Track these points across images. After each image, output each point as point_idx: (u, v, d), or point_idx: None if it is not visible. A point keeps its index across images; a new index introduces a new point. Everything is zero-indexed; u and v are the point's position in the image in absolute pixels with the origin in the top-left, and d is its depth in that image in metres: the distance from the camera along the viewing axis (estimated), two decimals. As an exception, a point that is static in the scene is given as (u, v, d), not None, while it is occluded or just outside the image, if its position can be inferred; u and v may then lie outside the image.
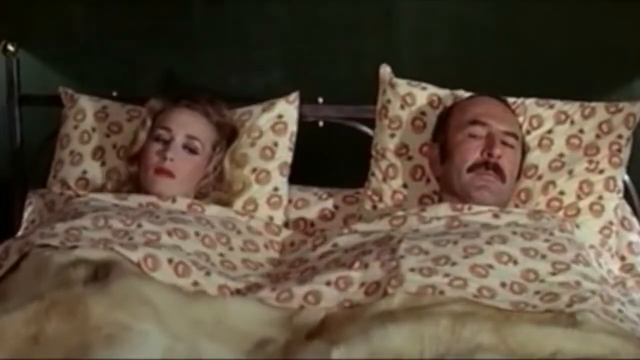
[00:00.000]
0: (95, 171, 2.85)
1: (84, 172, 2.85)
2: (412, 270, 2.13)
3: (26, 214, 2.84)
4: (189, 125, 2.69)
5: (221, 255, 2.40)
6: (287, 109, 2.89)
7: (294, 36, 3.33)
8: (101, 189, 2.76)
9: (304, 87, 3.06)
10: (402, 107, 2.85)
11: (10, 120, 3.18)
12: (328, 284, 2.18)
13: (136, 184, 2.70)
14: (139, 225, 2.35)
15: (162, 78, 3.34)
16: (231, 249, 2.46)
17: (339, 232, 2.49)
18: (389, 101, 2.87)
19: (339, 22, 3.31)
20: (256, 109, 2.89)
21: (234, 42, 3.33)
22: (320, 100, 3.05)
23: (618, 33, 3.19)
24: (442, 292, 2.07)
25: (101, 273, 2.05)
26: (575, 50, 3.21)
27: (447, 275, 2.12)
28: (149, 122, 2.73)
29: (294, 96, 2.92)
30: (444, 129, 2.71)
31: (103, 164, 2.86)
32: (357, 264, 2.22)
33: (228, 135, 2.78)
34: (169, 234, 2.35)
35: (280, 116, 2.88)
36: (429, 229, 2.41)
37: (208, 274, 2.24)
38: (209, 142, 2.72)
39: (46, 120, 3.11)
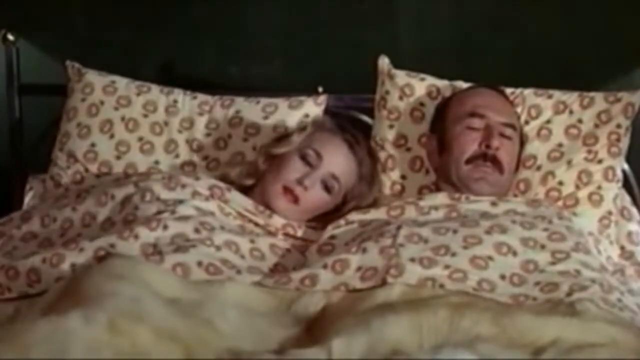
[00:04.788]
0: (104, 144, 2.85)
1: (93, 144, 2.85)
2: (412, 260, 2.13)
3: (27, 199, 2.83)
4: (340, 164, 2.57)
5: (251, 242, 2.35)
6: (314, 110, 2.89)
7: (293, 26, 3.33)
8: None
9: (303, 77, 3.06)
10: (400, 98, 2.85)
11: (10, 110, 3.17)
12: (325, 266, 2.17)
13: (259, 182, 2.60)
14: (165, 228, 2.28)
15: (162, 68, 3.34)
16: (257, 234, 2.42)
17: (335, 224, 2.46)
18: (387, 92, 2.87)
19: (339, 12, 3.31)
20: (282, 103, 2.89)
21: (233, 32, 3.33)
22: (320, 89, 3.05)
23: (617, 23, 3.20)
24: (442, 286, 2.07)
25: None
26: (574, 40, 3.22)
27: (447, 266, 2.12)
28: (308, 132, 2.63)
29: (322, 99, 2.93)
30: (442, 121, 2.72)
31: (112, 136, 2.86)
32: (354, 248, 2.22)
33: (357, 196, 2.63)
34: (196, 230, 2.29)
35: (306, 115, 2.87)
36: (428, 219, 2.40)
37: (239, 272, 2.20)
38: (345, 188, 2.60)
39: (46, 109, 3.11)
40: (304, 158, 2.55)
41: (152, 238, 2.25)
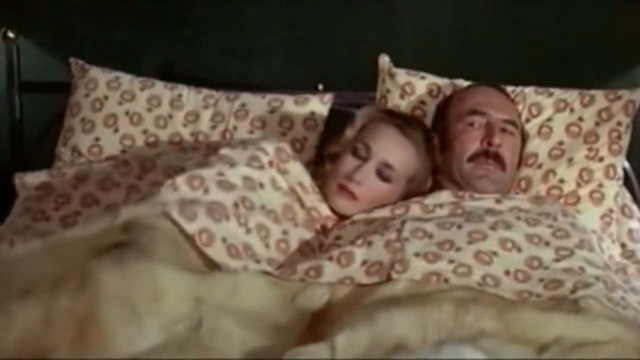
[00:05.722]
0: (108, 139, 2.86)
1: (97, 139, 2.86)
2: (416, 255, 2.13)
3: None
4: (392, 151, 2.50)
5: (284, 233, 2.33)
6: (320, 108, 2.89)
7: (294, 24, 3.33)
8: None
9: (304, 75, 3.06)
10: (401, 96, 2.87)
11: (10, 107, 3.18)
12: (330, 259, 2.17)
13: (324, 182, 2.54)
14: (206, 191, 2.26)
15: (162, 66, 3.34)
16: (296, 224, 2.39)
17: (340, 225, 2.46)
18: (388, 91, 2.88)
19: (339, 9, 3.31)
20: (287, 99, 2.89)
21: (234, 30, 3.34)
22: (320, 87, 3.05)
23: (617, 21, 3.20)
24: (446, 280, 2.07)
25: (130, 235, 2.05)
26: (575, 38, 3.22)
27: (451, 261, 2.12)
28: (358, 126, 2.59)
29: (328, 97, 2.93)
30: (443, 119, 2.72)
31: (116, 130, 2.87)
32: (360, 241, 2.21)
33: (424, 177, 2.59)
34: (236, 204, 2.27)
35: (312, 112, 2.87)
36: (432, 216, 2.39)
37: (257, 262, 2.19)
38: (406, 173, 2.52)
39: (47, 107, 3.12)
40: (355, 153, 2.50)
41: (190, 196, 2.23)
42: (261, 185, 2.37)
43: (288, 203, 2.41)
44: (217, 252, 2.13)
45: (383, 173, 2.48)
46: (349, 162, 2.49)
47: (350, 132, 2.59)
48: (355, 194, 2.46)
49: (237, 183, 2.32)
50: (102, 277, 1.89)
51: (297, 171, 2.48)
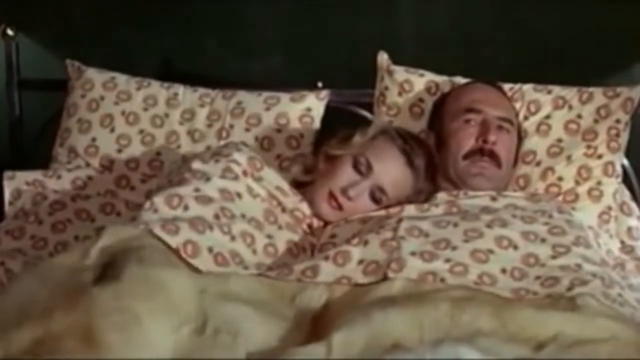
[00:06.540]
0: (105, 139, 2.87)
1: (93, 139, 2.87)
2: (412, 254, 2.12)
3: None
4: (391, 178, 2.45)
5: (269, 237, 2.31)
6: (316, 104, 2.90)
7: (293, 21, 3.34)
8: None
9: (303, 72, 3.05)
10: (400, 94, 2.87)
11: (9, 105, 3.19)
12: (326, 258, 2.15)
13: (315, 181, 2.52)
14: (186, 208, 2.23)
15: (162, 63, 3.35)
16: (280, 227, 2.37)
17: (335, 224, 2.45)
18: (386, 88, 2.88)
19: (339, 6, 3.31)
20: (284, 97, 2.89)
21: (233, 27, 3.34)
22: (320, 84, 3.05)
23: (616, 18, 3.20)
24: (442, 280, 2.05)
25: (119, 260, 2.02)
26: (574, 35, 3.22)
27: (447, 260, 2.11)
28: (369, 136, 2.51)
29: (324, 93, 2.94)
30: (439, 117, 2.72)
31: (112, 130, 2.88)
32: (356, 240, 2.20)
33: (415, 199, 2.49)
34: (216, 216, 2.24)
35: (309, 109, 2.88)
36: (427, 215, 2.38)
37: (245, 268, 2.17)
38: (397, 198, 2.47)
39: (46, 104, 3.12)
40: (355, 165, 2.45)
41: (170, 215, 2.20)
42: (239, 195, 2.35)
43: (269, 208, 2.38)
44: (203, 263, 2.10)
45: (375, 195, 2.45)
46: (347, 174, 2.45)
47: (358, 139, 2.52)
48: (343, 206, 2.44)
49: (214, 196, 2.29)
50: (94, 293, 1.87)
51: (272, 177, 2.46)
